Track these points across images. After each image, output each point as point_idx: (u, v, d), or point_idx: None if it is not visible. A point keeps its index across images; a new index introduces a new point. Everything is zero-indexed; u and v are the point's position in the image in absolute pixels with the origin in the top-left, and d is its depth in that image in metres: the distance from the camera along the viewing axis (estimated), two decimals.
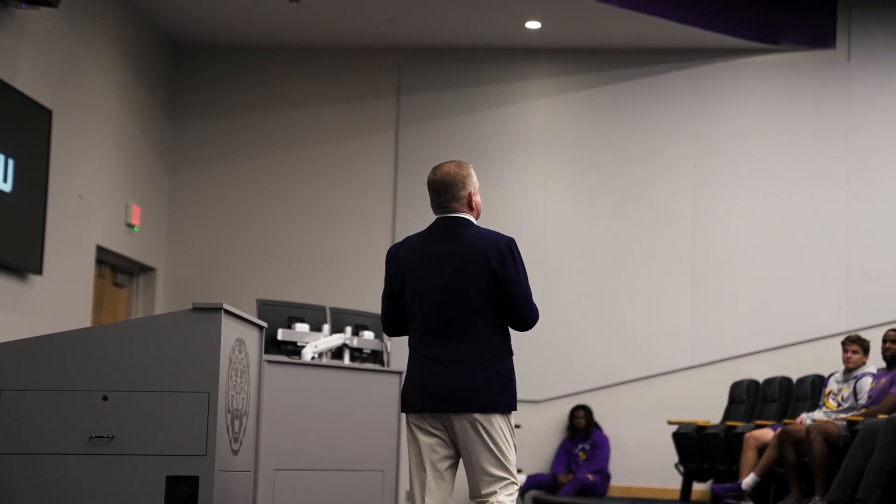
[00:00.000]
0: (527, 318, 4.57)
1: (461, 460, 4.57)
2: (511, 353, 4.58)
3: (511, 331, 4.64)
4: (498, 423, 4.48)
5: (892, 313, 10.50)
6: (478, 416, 4.45)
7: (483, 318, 4.49)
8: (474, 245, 4.52)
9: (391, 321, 4.70)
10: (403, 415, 4.59)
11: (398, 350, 10.11)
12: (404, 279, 4.58)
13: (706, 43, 11.00)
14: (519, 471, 10.72)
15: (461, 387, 4.46)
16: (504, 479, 4.49)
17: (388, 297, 4.67)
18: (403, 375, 6.85)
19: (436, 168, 4.65)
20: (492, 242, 4.52)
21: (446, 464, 4.54)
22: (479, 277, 4.49)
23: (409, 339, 4.62)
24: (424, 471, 4.53)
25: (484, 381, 4.46)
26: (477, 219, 4.64)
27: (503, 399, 4.49)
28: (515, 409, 4.57)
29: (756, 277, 10.96)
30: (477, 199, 4.63)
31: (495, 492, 4.47)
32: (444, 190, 4.59)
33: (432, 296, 4.52)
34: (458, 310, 4.49)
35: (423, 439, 4.53)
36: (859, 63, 11.03)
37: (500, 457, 4.48)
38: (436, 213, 4.65)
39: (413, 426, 4.55)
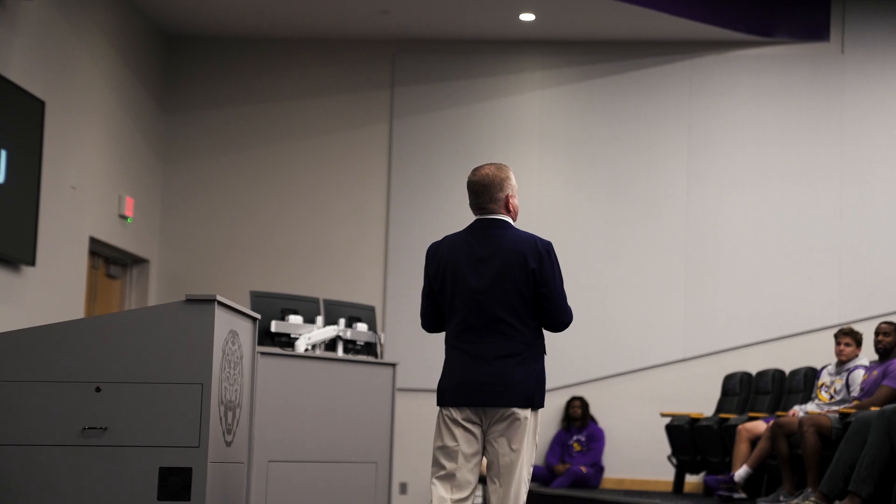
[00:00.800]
0: (561, 320, 4.73)
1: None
2: (545, 353, 4.73)
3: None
4: (531, 420, 4.63)
5: (885, 306, 10.53)
6: (516, 410, 4.59)
7: (521, 318, 4.64)
8: (514, 247, 4.68)
9: (431, 319, 4.84)
10: (438, 408, 4.73)
11: (392, 343, 10.13)
12: (444, 278, 4.72)
13: (700, 35, 11.00)
14: None
15: (501, 382, 4.60)
16: (524, 490, 4.63)
17: (427, 294, 4.81)
18: (397, 367, 6.92)
19: (476, 170, 4.78)
20: (531, 244, 4.69)
21: (476, 458, 4.67)
22: (518, 278, 4.63)
23: (447, 336, 4.76)
24: (455, 462, 4.64)
25: (523, 376, 4.61)
26: (514, 220, 4.79)
27: (538, 396, 4.65)
28: (543, 406, 4.71)
29: (749, 270, 10.98)
30: (514, 201, 4.78)
31: None
32: (483, 192, 4.73)
33: (473, 295, 4.65)
34: (498, 309, 4.63)
35: (460, 433, 4.65)
36: (853, 56, 11.04)
37: (524, 456, 4.60)
38: (475, 214, 4.78)
39: (448, 420, 4.67)
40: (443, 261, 4.74)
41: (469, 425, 4.64)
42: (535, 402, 4.62)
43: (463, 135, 11.30)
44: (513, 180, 4.77)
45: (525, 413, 4.59)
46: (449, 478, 4.64)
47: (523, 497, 4.63)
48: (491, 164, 4.80)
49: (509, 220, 4.76)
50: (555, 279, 4.69)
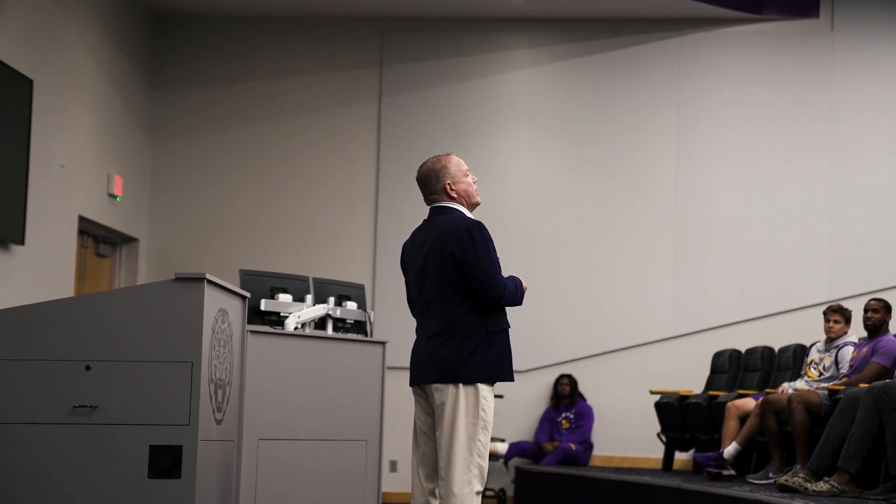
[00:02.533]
0: (488, 296, 4.86)
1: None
2: (488, 330, 4.88)
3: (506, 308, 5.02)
4: (459, 395, 4.80)
5: (874, 283, 10.56)
6: (440, 386, 4.83)
7: (449, 298, 4.87)
8: (440, 231, 4.93)
9: (410, 304, 5.16)
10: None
11: (381, 321, 10.12)
12: (405, 266, 5.13)
13: (689, 12, 10.98)
14: (502, 440, 10.76)
15: (427, 360, 4.90)
16: (460, 467, 4.76)
17: (406, 283, 5.16)
18: (386, 346, 6.94)
19: (420, 166, 5.15)
20: (453, 227, 4.90)
21: (434, 433, 4.94)
22: (440, 261, 4.88)
23: None
24: (419, 440, 4.99)
25: (446, 354, 4.83)
26: (469, 202, 5.05)
27: (465, 371, 4.81)
28: (487, 382, 4.85)
29: (738, 247, 11.00)
30: (460, 186, 5.03)
31: (450, 487, 4.77)
32: (423, 185, 5.10)
33: (415, 280, 5.02)
34: (430, 291, 4.92)
35: (416, 410, 5.00)
36: (842, 33, 11.04)
37: (459, 431, 4.77)
38: (427, 206, 5.13)
39: (414, 399, 5.04)
40: (404, 251, 5.13)
41: (422, 403, 4.96)
42: (462, 376, 4.79)
43: (452, 113, 11.29)
44: (451, 168, 5.03)
45: (450, 389, 4.79)
46: (421, 458, 4.96)
47: (461, 476, 4.74)
48: (432, 157, 5.13)
49: (454, 205, 5.01)
50: (477, 258, 4.83)
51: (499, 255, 5.17)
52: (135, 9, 11.03)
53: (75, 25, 9.79)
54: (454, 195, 5.01)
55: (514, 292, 4.94)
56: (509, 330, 4.99)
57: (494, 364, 4.85)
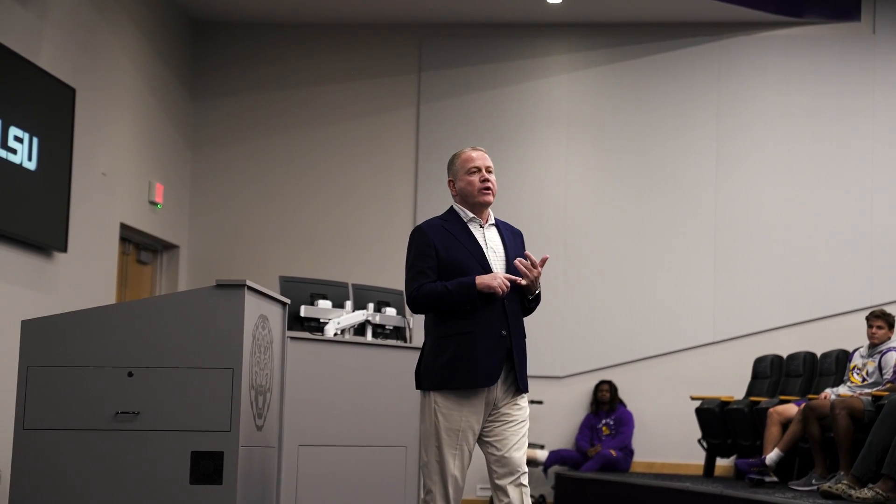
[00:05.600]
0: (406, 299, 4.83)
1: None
2: (439, 335, 4.73)
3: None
4: (421, 401, 4.79)
5: None
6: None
7: None
8: None
9: None
10: None
11: (421, 327, 10.14)
12: None
13: (729, 16, 10.93)
14: (541, 447, 10.73)
15: None
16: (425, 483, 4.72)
17: None
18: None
19: None
20: None
21: None
22: None
23: None
24: None
25: (418, 360, 4.84)
26: (470, 199, 4.81)
27: (422, 377, 4.78)
28: (439, 390, 4.69)
29: (780, 253, 10.92)
30: (458, 184, 4.84)
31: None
32: None
33: None
34: None
35: None
36: (884, 36, 10.94)
37: (421, 438, 4.75)
38: None
39: None
40: None
41: None
42: (420, 383, 4.77)
43: (490, 119, 11.28)
44: (455, 165, 4.86)
45: (420, 395, 4.78)
46: None
47: (426, 480, 4.67)
48: None
49: (454, 203, 4.87)
50: (406, 261, 4.78)
51: None
52: (175, 17, 11.11)
53: (116, 34, 9.88)
54: (454, 193, 4.85)
55: (432, 297, 4.64)
56: (472, 333, 4.65)
57: (443, 371, 4.64)
